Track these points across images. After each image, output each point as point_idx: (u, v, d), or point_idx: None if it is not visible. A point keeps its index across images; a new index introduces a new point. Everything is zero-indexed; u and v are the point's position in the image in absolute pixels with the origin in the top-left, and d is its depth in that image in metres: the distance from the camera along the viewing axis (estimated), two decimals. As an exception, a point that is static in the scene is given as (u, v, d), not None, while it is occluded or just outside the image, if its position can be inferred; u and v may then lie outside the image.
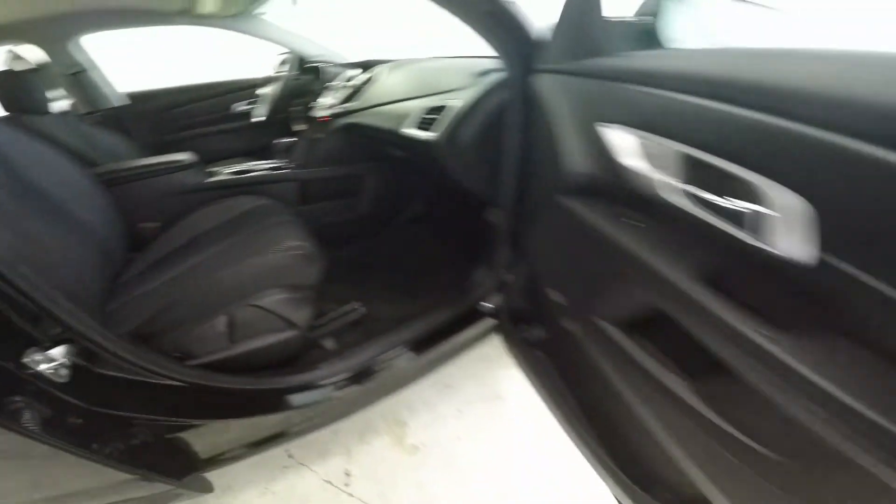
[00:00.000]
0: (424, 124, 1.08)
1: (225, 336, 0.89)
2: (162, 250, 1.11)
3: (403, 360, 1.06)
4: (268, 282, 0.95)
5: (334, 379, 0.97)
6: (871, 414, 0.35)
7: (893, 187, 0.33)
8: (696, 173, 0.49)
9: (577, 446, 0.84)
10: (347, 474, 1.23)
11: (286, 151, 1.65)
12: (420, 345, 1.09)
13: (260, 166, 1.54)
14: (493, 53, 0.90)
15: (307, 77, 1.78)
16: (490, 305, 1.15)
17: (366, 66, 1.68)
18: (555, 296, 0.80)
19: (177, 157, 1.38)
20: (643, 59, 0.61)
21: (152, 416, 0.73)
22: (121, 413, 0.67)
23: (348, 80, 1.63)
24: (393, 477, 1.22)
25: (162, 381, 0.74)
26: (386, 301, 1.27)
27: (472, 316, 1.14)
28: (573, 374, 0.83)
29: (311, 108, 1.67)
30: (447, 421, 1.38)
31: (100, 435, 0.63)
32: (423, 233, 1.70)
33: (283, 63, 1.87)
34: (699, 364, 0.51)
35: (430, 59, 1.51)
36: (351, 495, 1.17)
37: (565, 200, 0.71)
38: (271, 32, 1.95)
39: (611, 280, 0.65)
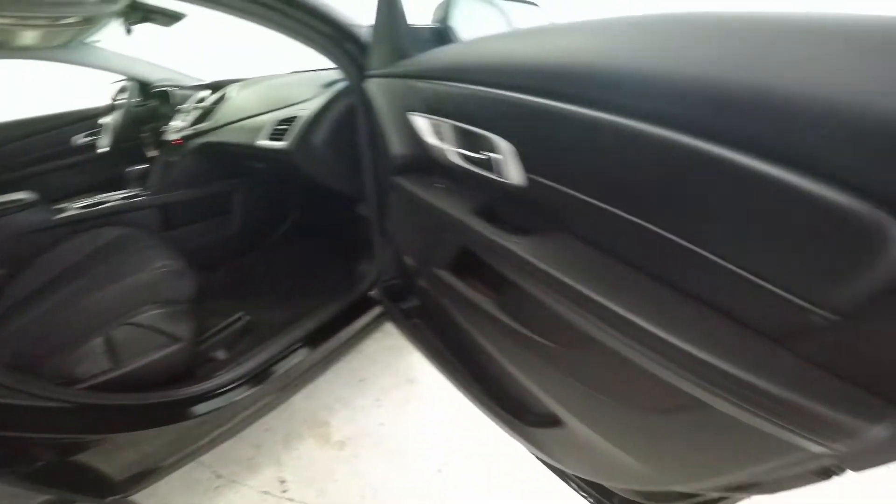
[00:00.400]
0: (277, 135, 1.17)
1: (106, 357, 0.91)
2: (19, 293, 1.05)
3: (301, 355, 1.13)
4: (141, 299, 0.97)
5: (233, 385, 1.01)
6: (588, 289, 0.50)
7: (553, 124, 0.52)
8: (462, 139, 0.67)
9: (465, 395, 0.97)
10: (282, 481, 1.26)
11: (141, 178, 1.60)
12: (315, 339, 1.16)
13: (113, 197, 1.48)
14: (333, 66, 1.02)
15: (155, 102, 1.74)
16: (377, 292, 1.26)
17: (216, 86, 1.70)
18: (409, 261, 0.96)
19: (12, 197, 1.30)
20: (426, 58, 0.79)
21: (42, 436, 0.74)
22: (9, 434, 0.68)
23: (199, 101, 1.64)
24: (328, 474, 1.27)
25: (45, 404, 0.75)
26: (274, 307, 1.31)
27: (363, 305, 1.25)
28: (439, 327, 0.99)
29: (163, 133, 1.64)
30: (368, 412, 1.47)
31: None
32: (304, 239, 1.77)
33: (122, 90, 1.79)
34: (495, 281, 0.69)
35: (279, 75, 1.59)
36: (292, 500, 1.21)
37: (397, 179, 0.88)
38: (108, 61, 1.84)
39: (435, 234, 0.82)
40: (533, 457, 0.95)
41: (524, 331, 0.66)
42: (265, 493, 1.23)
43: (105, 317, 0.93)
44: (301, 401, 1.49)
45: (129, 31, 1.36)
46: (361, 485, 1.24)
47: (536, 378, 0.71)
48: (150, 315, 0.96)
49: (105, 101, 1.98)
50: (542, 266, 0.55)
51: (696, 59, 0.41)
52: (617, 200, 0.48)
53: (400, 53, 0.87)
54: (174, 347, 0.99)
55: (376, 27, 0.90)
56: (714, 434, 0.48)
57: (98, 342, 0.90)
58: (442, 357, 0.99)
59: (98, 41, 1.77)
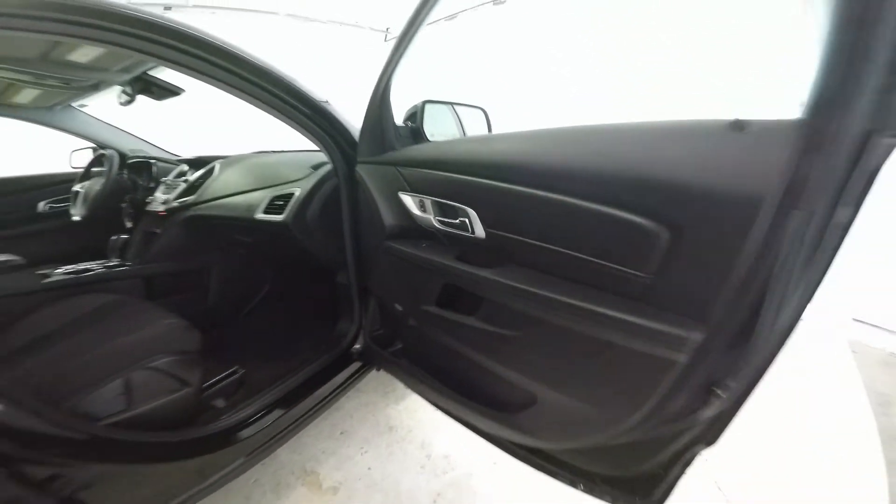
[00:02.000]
0: (274, 209, 1.48)
1: (124, 398, 1.06)
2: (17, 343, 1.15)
3: (290, 406, 1.36)
4: (155, 348, 1.16)
5: (231, 431, 1.22)
6: (532, 287, 0.90)
7: (497, 195, 0.94)
8: (441, 210, 1.07)
9: (453, 410, 1.23)
10: None
11: (122, 248, 1.81)
12: (302, 392, 1.41)
13: (95, 265, 1.67)
14: (318, 149, 1.35)
15: (137, 173, 2.00)
16: (358, 347, 1.55)
17: (200, 162, 1.99)
18: (398, 307, 1.30)
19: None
20: (409, 152, 1.20)
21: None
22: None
23: (181, 174, 1.92)
24: None
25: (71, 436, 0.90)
26: (262, 365, 1.54)
27: (343, 362, 1.53)
28: (425, 357, 1.30)
29: (145, 204, 1.89)
30: (354, 459, 1.67)
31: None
32: (283, 307, 2.04)
33: (100, 159, 2.03)
34: (472, 304, 1.07)
35: (263, 153, 1.91)
36: None
37: (390, 244, 1.23)
38: (87, 126, 2.11)
39: (422, 280, 1.17)
40: (518, 472, 1.21)
41: (495, 329, 1.04)
42: (264, 541, 1.31)
43: (125, 361, 1.09)
44: (286, 454, 1.66)
45: (130, 101, 1.52)
46: (359, 524, 1.39)
47: (510, 363, 1.06)
48: (164, 361, 1.14)
49: (65, 167, 2.19)
50: (502, 280, 0.96)
51: (560, 155, 0.86)
52: (534, 236, 0.91)
53: (388, 146, 1.27)
54: (183, 392, 1.16)
55: (367, 124, 1.27)
56: (625, 365, 0.83)
57: (118, 384, 1.06)
58: (429, 384, 1.29)
59: (85, 105, 2.04)
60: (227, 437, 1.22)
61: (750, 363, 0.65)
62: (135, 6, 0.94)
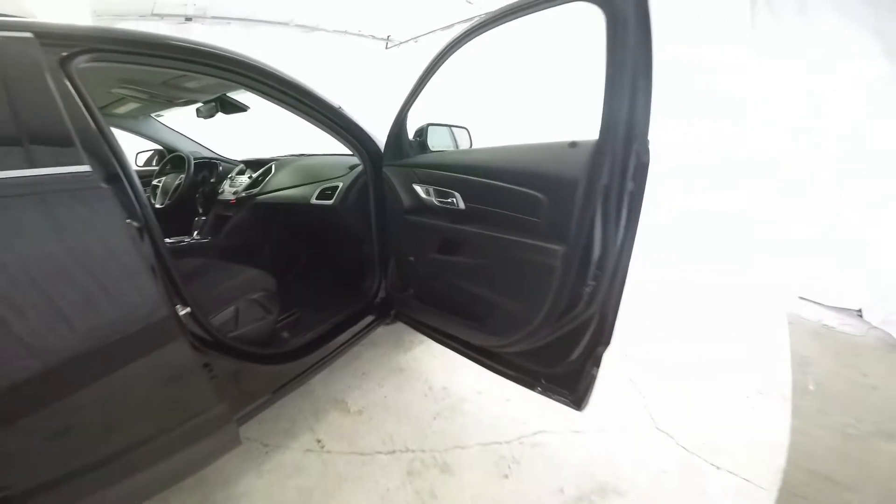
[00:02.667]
0: (324, 197, 2.13)
1: (233, 321, 1.58)
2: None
3: (330, 339, 1.96)
4: (252, 286, 1.71)
5: (295, 353, 1.80)
6: (490, 232, 1.62)
7: (470, 182, 1.65)
8: (439, 194, 1.75)
9: (451, 335, 1.87)
10: (319, 441, 1.87)
11: (201, 227, 2.47)
12: (337, 330, 2.01)
13: (185, 239, 2.34)
14: (350, 153, 2.03)
15: (206, 170, 2.67)
16: (379, 299, 2.20)
17: (257, 163, 2.65)
18: (412, 258, 1.97)
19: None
20: (419, 158, 1.87)
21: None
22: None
23: (242, 172, 2.59)
24: (354, 431, 1.93)
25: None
26: (310, 312, 2.14)
27: (366, 310, 2.16)
28: (428, 293, 1.96)
29: (216, 194, 2.56)
30: (374, 391, 2.23)
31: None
32: (322, 272, 2.70)
33: (172, 159, 2.70)
34: (457, 249, 1.77)
35: (301, 156, 2.57)
36: (330, 451, 1.82)
37: (407, 216, 1.90)
38: (158, 133, 2.77)
39: (428, 237, 1.84)
40: (496, 398, 1.96)
41: (471, 260, 1.73)
42: (308, 450, 1.82)
43: (235, 294, 1.62)
44: (320, 389, 2.22)
45: (209, 116, 2.01)
46: (380, 434, 1.93)
47: (480, 282, 1.74)
48: (259, 294, 1.70)
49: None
50: (475, 230, 1.66)
51: (501, 160, 1.58)
52: (492, 205, 1.60)
53: (404, 154, 1.95)
54: (268, 318, 1.74)
55: (390, 139, 1.96)
56: (534, 272, 1.43)
57: (231, 310, 1.62)
58: (432, 314, 1.95)
59: (162, 115, 2.66)
60: (295, 354, 1.82)
61: (601, 271, 1.29)
62: (241, 53, 1.51)
